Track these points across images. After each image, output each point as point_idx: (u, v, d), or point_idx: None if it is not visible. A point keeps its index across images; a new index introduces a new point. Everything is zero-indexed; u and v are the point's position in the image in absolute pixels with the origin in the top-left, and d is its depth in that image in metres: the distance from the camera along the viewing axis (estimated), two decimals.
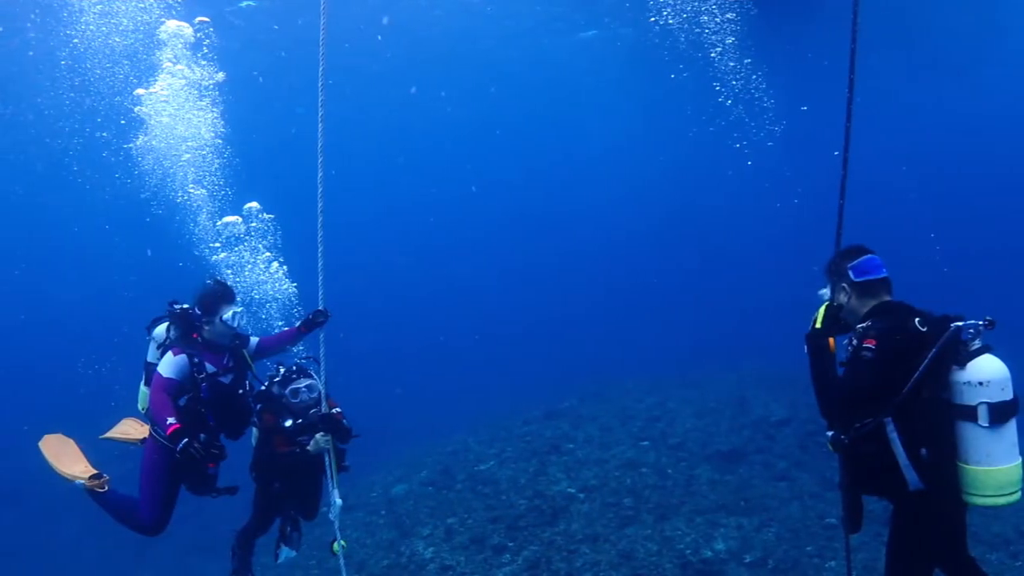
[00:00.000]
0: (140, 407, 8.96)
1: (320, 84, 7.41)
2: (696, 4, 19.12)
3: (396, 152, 47.24)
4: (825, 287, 6.44)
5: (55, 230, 39.72)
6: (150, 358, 8.78)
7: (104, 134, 21.97)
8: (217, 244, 11.03)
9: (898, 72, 32.30)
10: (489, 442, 19.75)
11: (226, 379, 8.47)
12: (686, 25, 20.14)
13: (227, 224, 11.10)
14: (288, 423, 8.60)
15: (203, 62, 13.68)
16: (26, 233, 38.93)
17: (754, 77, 21.48)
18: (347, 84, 31.79)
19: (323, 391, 8.29)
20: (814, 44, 25.67)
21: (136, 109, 13.49)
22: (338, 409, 8.57)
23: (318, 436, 8.21)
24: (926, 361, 5.52)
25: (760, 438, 17.43)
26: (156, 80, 13.56)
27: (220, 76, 13.74)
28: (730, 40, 19.59)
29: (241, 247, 10.85)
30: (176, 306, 8.49)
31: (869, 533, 11.86)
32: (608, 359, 31.02)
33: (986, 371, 5.50)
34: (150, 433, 8.54)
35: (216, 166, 12.46)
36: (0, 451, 22.62)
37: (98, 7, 17.03)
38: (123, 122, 16.49)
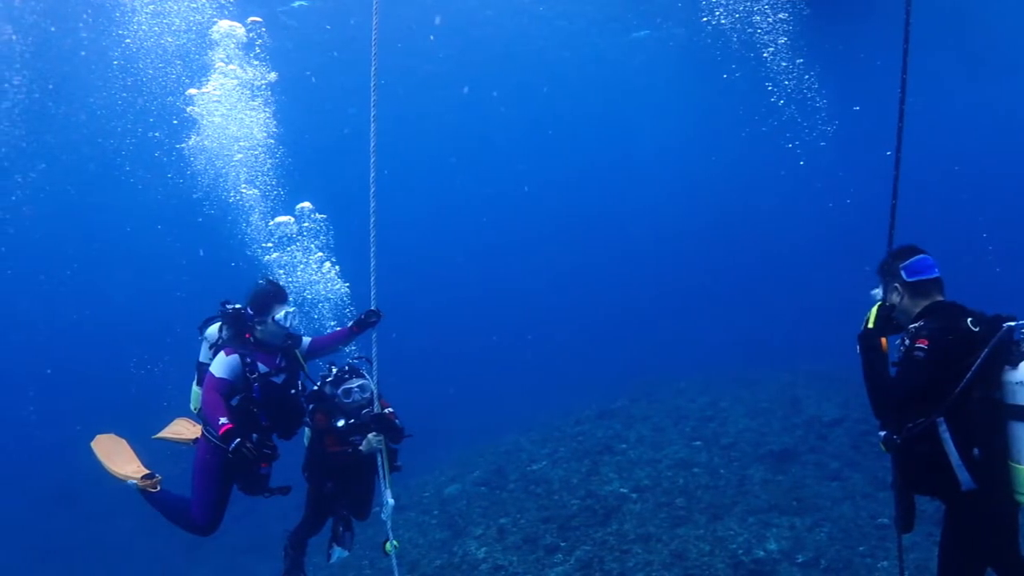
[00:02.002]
0: (192, 407, 9.06)
1: (372, 84, 7.47)
2: (748, 4, 19.06)
3: (448, 152, 47.38)
4: (877, 287, 6.43)
5: (107, 230, 40.09)
6: (202, 358, 8.87)
7: (156, 134, 22.21)
8: (269, 244, 11.11)
9: (951, 72, 32.02)
10: (541, 442, 19.76)
11: (278, 379, 8.54)
12: (738, 25, 20.07)
13: (279, 224, 11.17)
14: (340, 423, 8.65)
15: (255, 62, 13.77)
16: (79, 233, 39.36)
17: (806, 77, 21.37)
18: (399, 84, 31.93)
19: (375, 391, 8.34)
20: (866, 44, 25.51)
21: (188, 109, 13.61)
22: (390, 409, 8.62)
23: (370, 436, 8.26)
24: (978, 361, 5.49)
25: (812, 438, 17.34)
26: (208, 80, 13.67)
27: (272, 76, 13.83)
28: (782, 40, 19.50)
29: (293, 247, 10.92)
30: (228, 306, 8.57)
31: (921, 533, 11.85)
32: (660, 359, 30.94)
33: None
34: (202, 433, 8.64)
35: (268, 166, 12.54)
36: (53, 451, 22.92)
37: (150, 7, 17.21)
38: (175, 122, 16.67)
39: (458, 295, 52.54)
